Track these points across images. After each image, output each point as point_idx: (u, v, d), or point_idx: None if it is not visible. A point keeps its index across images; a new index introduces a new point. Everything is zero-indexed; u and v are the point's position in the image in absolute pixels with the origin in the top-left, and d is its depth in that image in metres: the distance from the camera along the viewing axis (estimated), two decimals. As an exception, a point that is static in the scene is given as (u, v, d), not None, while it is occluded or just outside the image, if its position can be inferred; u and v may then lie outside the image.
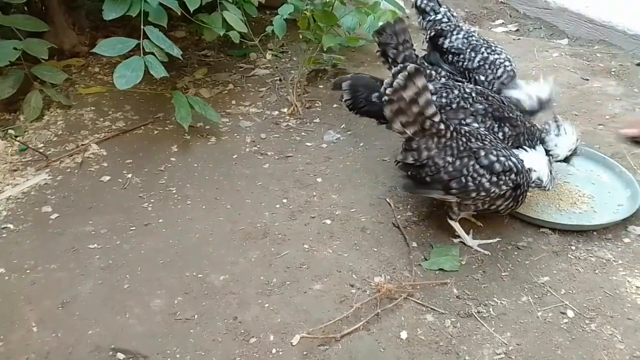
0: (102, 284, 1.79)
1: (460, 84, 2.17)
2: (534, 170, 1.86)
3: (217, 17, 2.86)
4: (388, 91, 1.64)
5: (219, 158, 2.54)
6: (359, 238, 1.98)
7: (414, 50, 2.21)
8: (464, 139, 1.76)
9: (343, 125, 2.83)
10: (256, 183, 2.34)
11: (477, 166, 1.73)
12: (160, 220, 2.08)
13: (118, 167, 2.45)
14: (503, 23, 4.52)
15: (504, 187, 1.76)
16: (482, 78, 2.34)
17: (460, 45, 2.44)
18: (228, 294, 1.72)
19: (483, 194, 1.75)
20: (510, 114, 2.04)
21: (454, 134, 1.75)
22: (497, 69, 2.34)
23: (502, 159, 1.74)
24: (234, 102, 3.16)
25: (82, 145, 2.62)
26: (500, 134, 2.00)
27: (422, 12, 2.62)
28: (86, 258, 1.90)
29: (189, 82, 3.34)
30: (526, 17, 4.53)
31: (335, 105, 3.03)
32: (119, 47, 2.40)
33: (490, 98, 2.08)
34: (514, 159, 1.78)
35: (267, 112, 3.04)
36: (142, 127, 2.80)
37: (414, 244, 1.93)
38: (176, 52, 2.47)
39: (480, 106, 2.03)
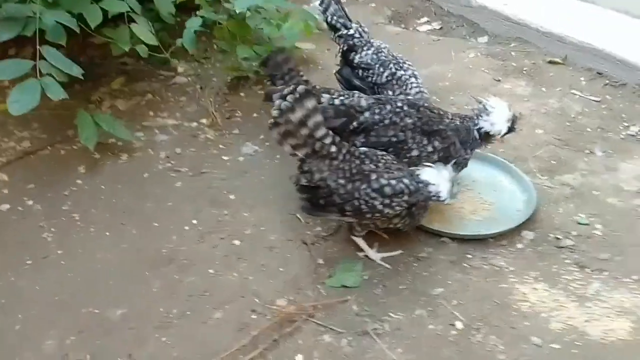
0: (-7, 327, 1.72)
1: (392, 97, 2.18)
2: (432, 184, 1.90)
3: (124, 31, 2.78)
4: (275, 113, 1.64)
5: (129, 178, 2.47)
6: (266, 258, 1.98)
7: (302, 76, 2.27)
8: (357, 162, 1.79)
9: (262, 136, 2.81)
10: (166, 204, 2.30)
11: (368, 189, 1.76)
12: (59, 252, 2.00)
13: (19, 193, 2.33)
14: (428, 21, 4.59)
15: (397, 208, 1.80)
16: (390, 93, 2.38)
17: (369, 61, 2.49)
18: (125, 330, 1.69)
19: (378, 214, 1.79)
20: (440, 126, 2.06)
21: (347, 156, 1.77)
22: (404, 85, 2.38)
23: (392, 182, 1.78)
24: (151, 113, 3.08)
25: (-18, 171, 2.50)
26: (430, 147, 2.04)
27: (333, 28, 2.64)
28: (-24, 299, 1.82)
29: (104, 92, 3.22)
30: (450, 15, 4.61)
31: (255, 115, 3.01)
32: (13, 69, 2.29)
33: (421, 110, 2.08)
34: (406, 181, 1.82)
35: (186, 123, 2.98)
36: (49, 147, 2.67)
37: (321, 261, 1.96)
38: (75, 71, 2.37)
39: (410, 120, 2.04)
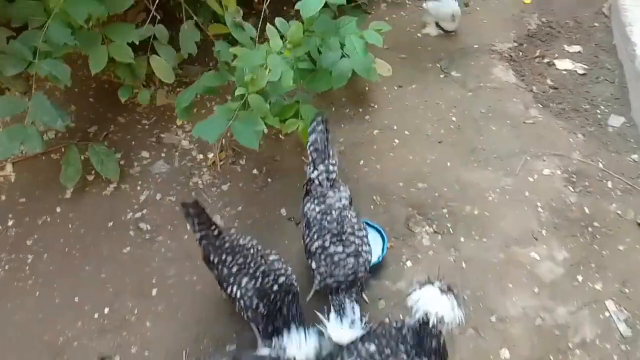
0: None
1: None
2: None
3: (141, 64, 2.72)
4: None
5: (96, 221, 2.66)
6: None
7: (212, 228, 2.10)
8: None
9: (240, 208, 2.75)
10: (100, 274, 2.49)
11: None
12: (-5, 299, 2.39)
13: (10, 206, 2.70)
14: (579, 53, 3.60)
15: None
16: (313, 265, 2.12)
17: (311, 219, 2.16)
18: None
19: None
20: None
21: None
22: (333, 265, 2.07)
23: None
24: (177, 123, 3.12)
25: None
26: None
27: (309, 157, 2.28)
28: None
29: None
30: (611, 55, 3.54)
31: (254, 171, 2.90)
32: (7, 108, 2.46)
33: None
34: None
35: (194, 152, 3.01)
36: (63, 149, 2.91)
37: None
38: (59, 125, 2.45)
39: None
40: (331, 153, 2.24)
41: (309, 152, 2.26)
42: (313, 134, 2.24)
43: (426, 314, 1.77)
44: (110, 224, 2.67)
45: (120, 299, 2.41)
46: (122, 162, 2.91)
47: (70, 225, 2.66)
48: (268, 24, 2.53)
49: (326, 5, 2.36)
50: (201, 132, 2.22)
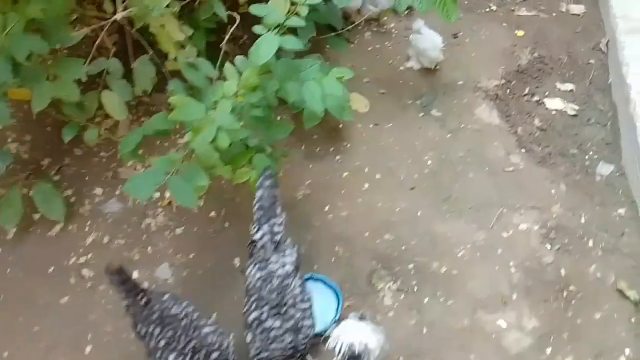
0: None
1: None
2: None
3: (92, 98, 2.57)
4: None
5: (37, 265, 2.48)
6: None
7: (139, 296, 1.91)
8: None
9: (192, 255, 2.57)
10: (34, 326, 2.32)
11: None
12: None
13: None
14: (571, 91, 3.39)
15: None
16: (249, 337, 1.94)
17: (249, 286, 1.98)
18: None
19: None
20: None
21: None
22: (262, 336, 1.90)
23: None
24: (139, 152, 2.94)
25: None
26: None
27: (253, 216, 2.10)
28: None
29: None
30: (605, 95, 3.32)
31: (212, 214, 2.73)
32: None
33: None
34: None
35: (152, 189, 2.83)
36: (16, 184, 2.72)
37: None
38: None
39: None
40: (278, 211, 2.06)
41: (254, 209, 2.07)
42: (260, 190, 2.05)
43: (350, 346, 1.74)
44: (52, 269, 2.50)
45: (52, 355, 2.24)
46: (72, 199, 2.74)
47: (8, 270, 2.49)
48: (227, 63, 2.36)
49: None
50: (132, 189, 2.04)
